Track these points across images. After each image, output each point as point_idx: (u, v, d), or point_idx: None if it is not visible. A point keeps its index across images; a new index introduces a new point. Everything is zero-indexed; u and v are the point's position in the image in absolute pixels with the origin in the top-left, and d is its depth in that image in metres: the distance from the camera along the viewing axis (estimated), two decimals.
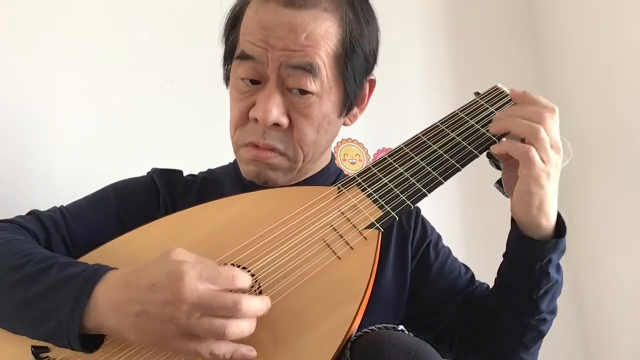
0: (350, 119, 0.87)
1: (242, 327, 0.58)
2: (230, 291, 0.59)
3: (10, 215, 0.78)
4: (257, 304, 0.60)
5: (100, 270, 0.63)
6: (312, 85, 0.74)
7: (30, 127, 1.14)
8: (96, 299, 0.60)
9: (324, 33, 0.74)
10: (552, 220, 0.74)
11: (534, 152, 0.69)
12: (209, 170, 0.93)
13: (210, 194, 0.82)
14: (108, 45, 1.24)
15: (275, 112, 0.74)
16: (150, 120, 1.26)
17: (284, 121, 0.76)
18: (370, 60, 0.82)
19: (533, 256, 0.74)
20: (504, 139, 0.75)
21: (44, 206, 0.81)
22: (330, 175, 0.89)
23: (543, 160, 0.69)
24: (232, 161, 0.92)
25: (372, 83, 0.86)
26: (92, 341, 0.62)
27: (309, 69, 0.73)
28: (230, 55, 0.81)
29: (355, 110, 0.86)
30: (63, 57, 1.19)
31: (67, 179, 1.14)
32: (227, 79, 0.84)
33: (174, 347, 0.59)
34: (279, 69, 0.74)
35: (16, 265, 0.65)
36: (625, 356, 1.49)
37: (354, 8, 0.77)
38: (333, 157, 0.92)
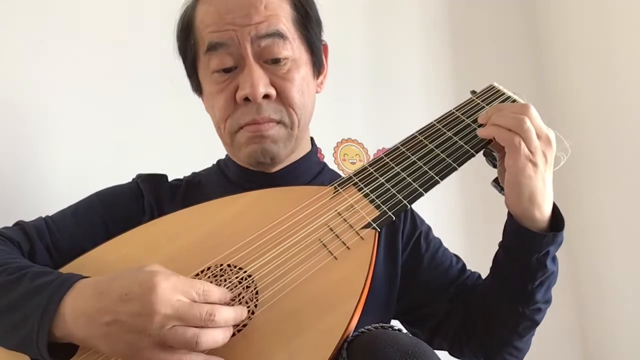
0: (319, 85, 0.90)
1: (216, 336, 0.58)
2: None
3: (9, 215, 0.79)
4: (231, 314, 0.60)
5: (71, 279, 0.62)
6: (285, 51, 0.79)
7: (29, 127, 1.14)
8: (65, 307, 0.59)
9: (278, 1, 0.79)
10: (545, 213, 0.74)
11: (519, 139, 0.70)
12: (193, 173, 0.93)
13: (196, 197, 0.83)
14: (108, 45, 1.24)
15: (262, 83, 0.77)
16: (150, 120, 1.26)
17: (272, 91, 0.78)
18: (320, 23, 0.87)
19: (530, 248, 0.74)
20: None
21: (42, 205, 0.81)
22: (312, 165, 0.90)
23: (530, 151, 0.70)
24: (215, 162, 0.94)
25: (326, 47, 0.91)
26: (65, 351, 0.61)
27: (279, 35, 0.78)
28: (193, 63, 0.84)
29: (320, 77, 0.90)
30: (63, 56, 1.19)
31: (67, 178, 1.14)
32: (197, 89, 0.87)
33: (145, 358, 0.57)
34: (251, 44, 0.77)
35: None
36: (625, 356, 1.49)
37: None
38: (315, 148, 0.93)
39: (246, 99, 0.78)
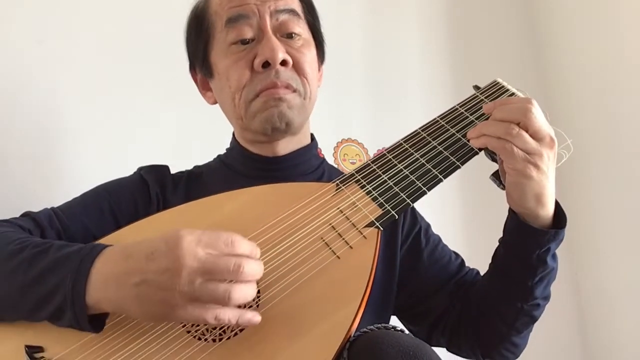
0: (319, 78, 0.93)
1: (246, 291, 0.58)
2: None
3: (8, 215, 0.78)
4: (258, 267, 0.60)
5: (98, 247, 0.62)
6: (298, 27, 0.85)
7: (26, 126, 1.13)
8: (95, 274, 0.59)
9: None
10: (549, 210, 0.74)
11: (510, 145, 0.69)
12: (195, 166, 0.94)
13: (198, 187, 0.84)
14: (108, 44, 1.24)
15: (281, 49, 0.81)
16: (150, 120, 1.25)
17: (289, 58, 0.82)
18: (317, 18, 0.92)
19: (532, 245, 0.74)
20: None
21: (40, 204, 0.81)
22: (312, 157, 0.92)
23: (527, 152, 0.69)
24: (216, 156, 0.94)
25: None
26: (97, 320, 0.61)
27: (294, 12, 0.85)
28: (206, 46, 0.86)
29: (321, 70, 0.94)
30: (63, 56, 1.19)
31: (66, 178, 1.14)
32: (208, 72, 0.88)
33: (178, 316, 0.57)
34: (270, 18, 0.82)
35: (14, 251, 0.65)
36: (625, 356, 1.48)
37: None
38: (315, 142, 0.94)
39: (264, 65, 0.80)
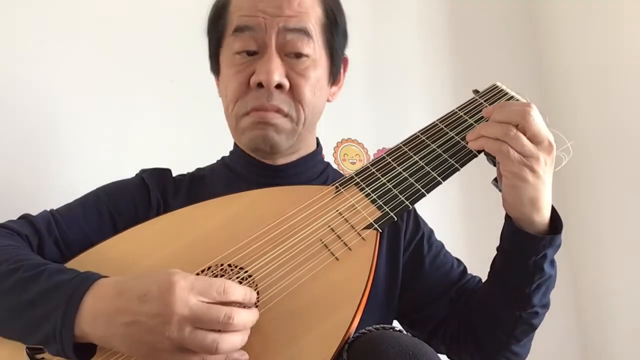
0: (332, 95, 0.92)
1: (234, 341, 0.58)
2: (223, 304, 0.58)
3: (8, 216, 0.78)
4: (249, 317, 0.60)
5: (91, 278, 0.62)
6: (307, 48, 0.81)
7: (27, 126, 1.13)
8: (85, 306, 0.59)
9: (311, 2, 0.83)
10: (545, 216, 0.73)
11: (507, 147, 0.69)
12: (198, 169, 0.93)
13: (200, 192, 0.83)
14: (108, 45, 1.24)
15: (278, 73, 0.79)
16: (150, 120, 1.26)
17: (286, 82, 0.80)
18: (346, 36, 0.90)
19: (528, 251, 0.74)
20: None
21: (40, 205, 0.81)
22: (316, 164, 0.92)
23: (524, 155, 0.69)
24: (220, 158, 0.94)
25: (346, 62, 0.93)
26: (85, 351, 0.61)
27: (305, 32, 0.81)
28: (218, 43, 0.86)
29: (335, 88, 0.92)
30: (63, 56, 1.19)
31: (66, 178, 1.14)
32: (215, 69, 0.89)
33: None
34: (277, 35, 0.80)
35: (7, 272, 0.64)
36: (624, 356, 1.49)
37: None
38: (320, 148, 0.94)
39: (259, 85, 0.79)
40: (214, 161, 0.95)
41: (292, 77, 0.81)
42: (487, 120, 0.75)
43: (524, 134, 0.69)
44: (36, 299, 0.61)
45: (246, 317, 0.59)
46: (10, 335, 0.64)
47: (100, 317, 0.58)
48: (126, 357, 0.60)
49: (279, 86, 0.80)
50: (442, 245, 0.93)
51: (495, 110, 0.73)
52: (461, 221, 1.57)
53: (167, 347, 0.56)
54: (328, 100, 0.91)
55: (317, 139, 0.93)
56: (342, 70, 0.92)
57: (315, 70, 0.83)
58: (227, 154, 0.94)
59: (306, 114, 0.83)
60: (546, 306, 0.79)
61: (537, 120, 0.70)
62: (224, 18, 0.85)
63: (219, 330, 0.57)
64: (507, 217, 0.76)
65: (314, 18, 0.82)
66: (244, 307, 0.61)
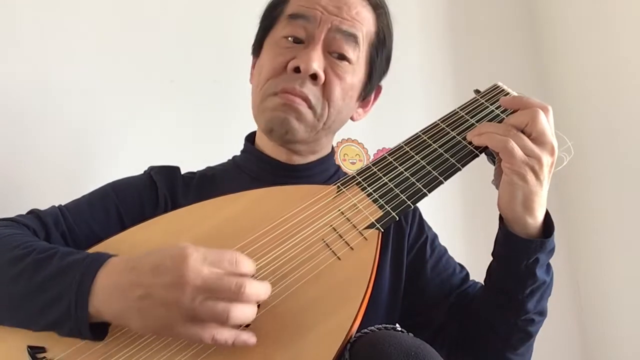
0: (358, 113, 0.93)
1: (245, 312, 0.58)
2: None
3: (8, 214, 0.78)
4: (260, 288, 0.60)
5: (103, 256, 0.62)
6: (352, 53, 0.83)
7: (27, 127, 1.13)
8: (98, 283, 0.59)
9: (367, 18, 0.86)
10: (538, 219, 0.73)
11: (512, 143, 0.69)
12: (208, 167, 0.93)
13: (210, 191, 0.83)
14: (108, 45, 1.24)
15: (318, 64, 0.80)
16: (150, 120, 1.26)
17: (322, 75, 0.81)
18: (389, 63, 0.92)
19: (519, 255, 0.73)
20: None
21: (40, 204, 0.81)
22: (330, 167, 0.93)
23: (526, 154, 0.69)
24: (230, 158, 0.94)
25: (379, 89, 0.95)
26: (99, 329, 0.61)
27: (354, 38, 0.83)
28: (268, 27, 0.88)
29: (361, 110, 0.93)
30: (63, 56, 1.19)
31: (65, 178, 1.14)
32: (255, 51, 0.91)
33: (177, 332, 0.57)
34: (328, 31, 0.82)
35: (18, 256, 0.64)
36: (624, 355, 1.49)
37: (387, 15, 0.91)
38: (333, 152, 0.95)
39: (296, 70, 0.81)
40: (214, 161, 0.95)
41: (328, 73, 0.82)
42: (487, 121, 0.76)
43: (530, 133, 0.70)
44: (49, 280, 0.62)
45: (258, 288, 0.59)
46: (20, 321, 0.63)
47: (114, 292, 0.59)
48: (138, 335, 0.61)
49: (314, 77, 0.81)
50: (446, 251, 0.93)
51: (514, 101, 0.74)
52: (461, 221, 1.57)
53: (179, 319, 0.56)
54: (352, 118, 0.92)
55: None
56: (373, 95, 0.93)
57: (352, 77, 0.84)
58: (229, 153, 0.94)
59: (330, 114, 0.84)
60: (542, 314, 0.79)
61: (544, 122, 0.70)
62: (282, 5, 0.87)
63: (231, 301, 0.57)
64: (501, 222, 0.76)
65: (366, 30, 0.85)
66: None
